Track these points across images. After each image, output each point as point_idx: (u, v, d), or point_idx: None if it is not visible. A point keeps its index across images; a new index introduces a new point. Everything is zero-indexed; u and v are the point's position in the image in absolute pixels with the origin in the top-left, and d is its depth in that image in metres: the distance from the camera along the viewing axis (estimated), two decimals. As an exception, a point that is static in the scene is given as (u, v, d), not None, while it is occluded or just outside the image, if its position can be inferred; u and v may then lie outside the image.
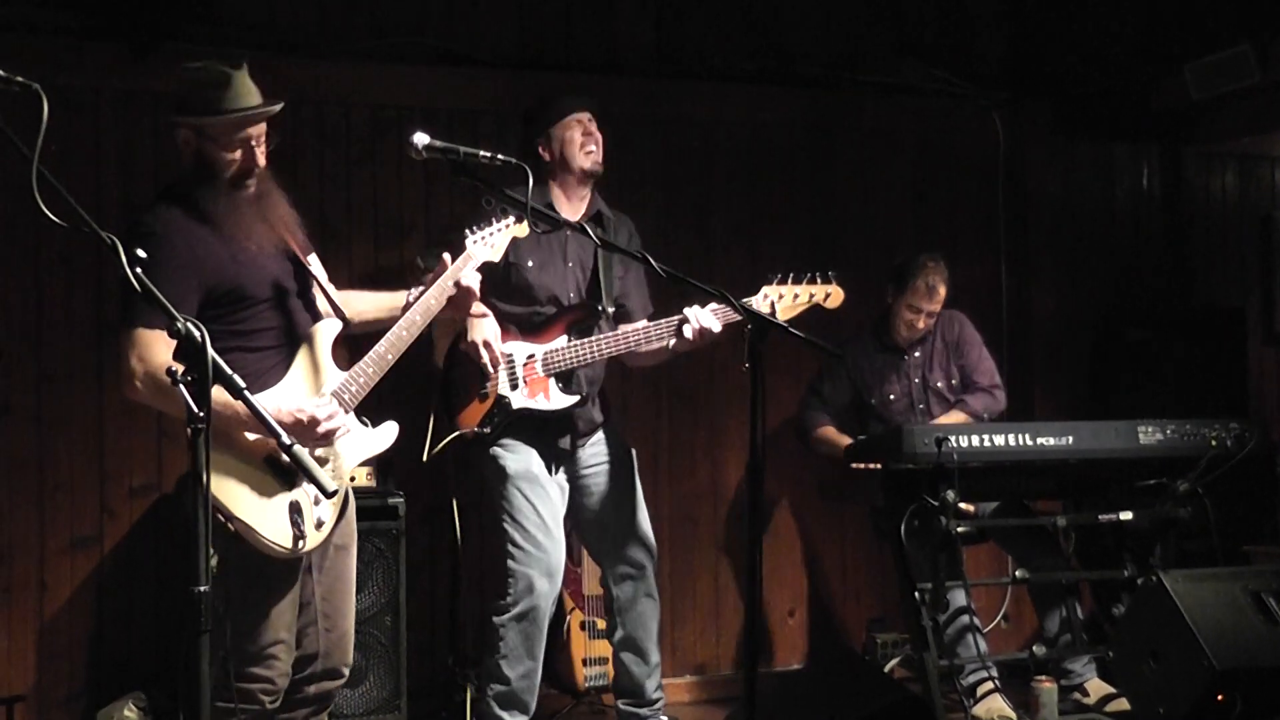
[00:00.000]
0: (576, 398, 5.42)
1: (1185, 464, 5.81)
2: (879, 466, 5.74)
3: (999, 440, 5.62)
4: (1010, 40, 7.63)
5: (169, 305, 2.93)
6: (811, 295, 5.41)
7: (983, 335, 6.66)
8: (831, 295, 5.45)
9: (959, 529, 5.58)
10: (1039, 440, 5.67)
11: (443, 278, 4.43)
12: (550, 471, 5.47)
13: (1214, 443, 5.80)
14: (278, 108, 4.12)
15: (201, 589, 2.89)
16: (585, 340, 5.37)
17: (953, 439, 5.49)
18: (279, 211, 4.20)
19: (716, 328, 5.21)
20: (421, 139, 3.85)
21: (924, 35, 7.42)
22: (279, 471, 3.97)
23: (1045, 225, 7.64)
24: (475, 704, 5.62)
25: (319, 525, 4.06)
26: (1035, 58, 7.57)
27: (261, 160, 4.12)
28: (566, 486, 5.55)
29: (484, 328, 5.19)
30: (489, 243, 4.63)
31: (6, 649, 5.81)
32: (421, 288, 4.44)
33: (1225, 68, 6.91)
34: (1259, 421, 5.92)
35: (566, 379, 5.41)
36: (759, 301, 5.32)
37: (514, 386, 5.35)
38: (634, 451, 5.71)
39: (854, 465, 5.92)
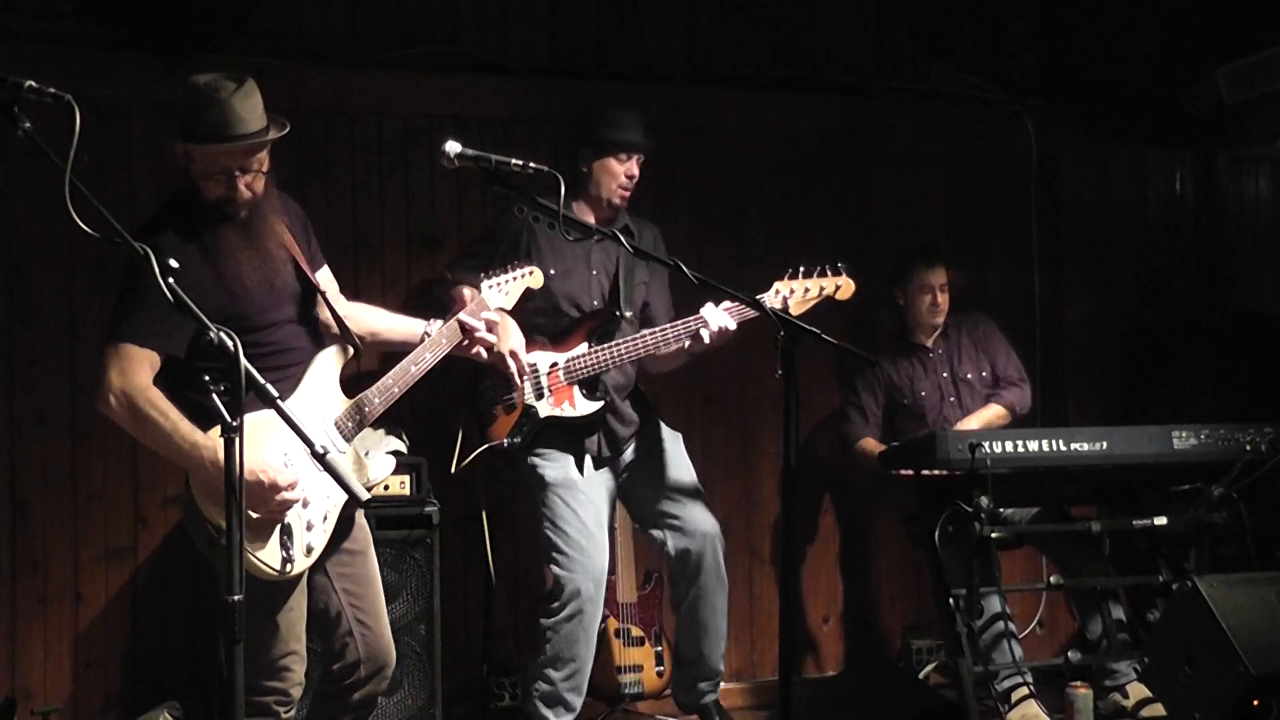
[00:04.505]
0: (601, 403, 5.49)
1: (1220, 469, 5.79)
2: (913, 473, 5.74)
3: (1032, 446, 5.61)
4: (1041, 45, 7.60)
5: (202, 317, 2.96)
6: (823, 289, 5.51)
7: (1012, 339, 6.72)
8: (842, 287, 5.54)
9: (994, 534, 5.57)
10: (1073, 445, 5.66)
11: (454, 320, 4.46)
12: (594, 470, 5.52)
13: (1249, 448, 5.78)
14: (263, 139, 3.96)
15: (235, 598, 2.90)
16: (605, 345, 5.44)
17: (986, 445, 5.48)
18: (271, 241, 4.09)
19: (732, 326, 5.30)
20: (454, 147, 3.85)
21: (955, 41, 7.40)
22: None
23: (1078, 230, 7.61)
24: (518, 708, 5.62)
25: (308, 551, 4.03)
26: (1066, 63, 7.54)
27: (245, 193, 3.98)
28: (612, 485, 5.59)
29: (510, 337, 5.18)
30: (503, 290, 4.73)
31: (42, 659, 5.83)
32: (440, 323, 4.47)
33: (1258, 71, 6.87)
34: (1294, 427, 5.88)
35: (590, 385, 5.48)
36: (771, 297, 5.41)
37: (540, 396, 5.41)
38: (679, 435, 5.79)
39: (888, 471, 5.93)
